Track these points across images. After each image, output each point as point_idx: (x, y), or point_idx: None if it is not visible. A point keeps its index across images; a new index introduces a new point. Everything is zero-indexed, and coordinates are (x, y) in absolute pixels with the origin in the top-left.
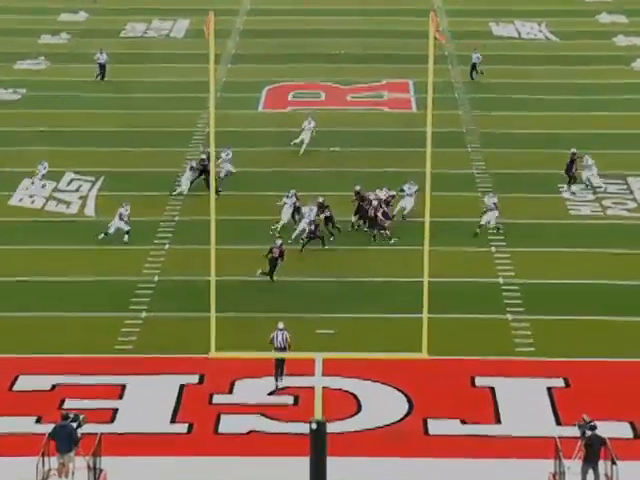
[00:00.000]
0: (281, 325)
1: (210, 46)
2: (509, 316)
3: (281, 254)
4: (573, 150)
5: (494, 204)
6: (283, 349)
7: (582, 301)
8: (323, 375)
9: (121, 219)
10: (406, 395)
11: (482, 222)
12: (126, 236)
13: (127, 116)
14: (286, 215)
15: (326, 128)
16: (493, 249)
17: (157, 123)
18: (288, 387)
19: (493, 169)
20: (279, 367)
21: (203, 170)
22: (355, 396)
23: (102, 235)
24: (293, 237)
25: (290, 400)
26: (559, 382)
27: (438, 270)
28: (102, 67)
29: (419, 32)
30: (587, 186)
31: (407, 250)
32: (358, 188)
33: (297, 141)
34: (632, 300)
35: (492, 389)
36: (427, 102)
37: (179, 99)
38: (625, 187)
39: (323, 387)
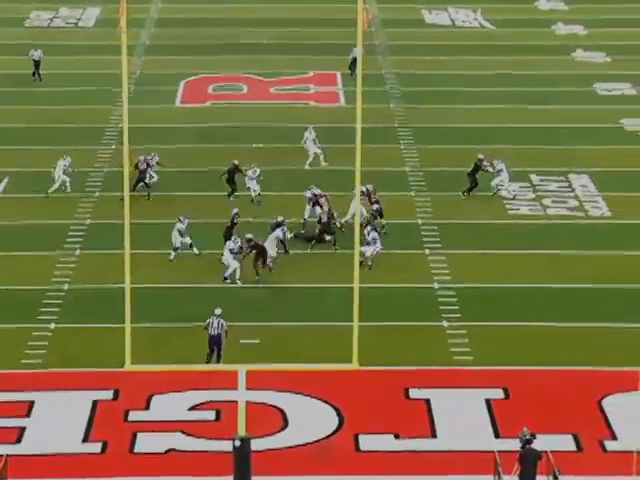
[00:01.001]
0: (218, 311)
1: (122, 36)
2: (445, 323)
3: (256, 247)
4: (480, 156)
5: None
6: (218, 336)
7: (522, 306)
8: (247, 388)
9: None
10: (336, 409)
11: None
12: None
13: (31, 112)
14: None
15: (248, 123)
16: (427, 251)
17: (65, 119)
18: (209, 401)
19: (427, 166)
20: (215, 354)
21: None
22: (281, 410)
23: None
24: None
25: (211, 415)
26: (498, 393)
27: (369, 275)
28: (37, 64)
29: (347, 20)
30: (494, 194)
31: (337, 254)
32: (317, 192)
33: (310, 160)
34: (573, 304)
35: (427, 401)
36: (356, 95)
37: (89, 93)
38: (566, 185)
39: (247, 401)
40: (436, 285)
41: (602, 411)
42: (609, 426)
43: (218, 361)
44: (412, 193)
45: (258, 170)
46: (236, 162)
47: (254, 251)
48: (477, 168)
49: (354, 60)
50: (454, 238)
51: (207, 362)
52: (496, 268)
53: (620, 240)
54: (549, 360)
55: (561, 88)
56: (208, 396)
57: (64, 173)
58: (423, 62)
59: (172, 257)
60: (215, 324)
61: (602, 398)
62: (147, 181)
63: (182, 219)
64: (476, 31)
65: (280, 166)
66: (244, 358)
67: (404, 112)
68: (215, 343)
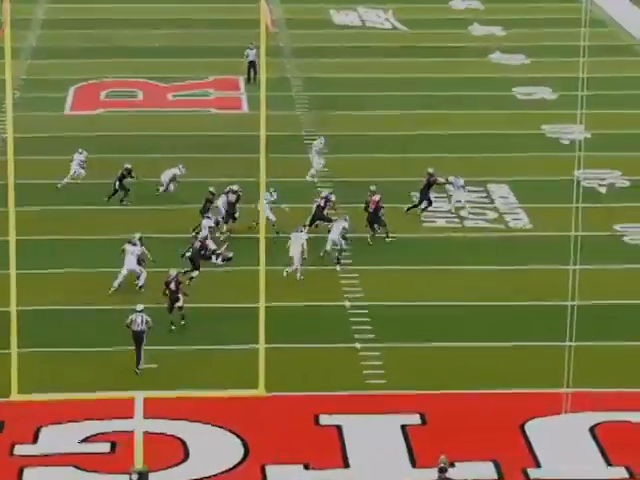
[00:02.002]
0: (140, 307)
1: (6, 38)
2: (357, 344)
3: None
4: (430, 170)
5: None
6: (142, 332)
7: (439, 326)
8: (144, 417)
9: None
10: (241, 438)
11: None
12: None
13: None
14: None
15: (144, 132)
16: (338, 268)
17: None
18: (104, 432)
19: (337, 177)
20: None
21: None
22: (182, 441)
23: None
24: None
25: (106, 447)
26: (414, 418)
27: (276, 293)
28: None
29: (250, 21)
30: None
31: (241, 271)
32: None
33: (313, 172)
34: (492, 323)
35: (339, 428)
36: (260, 101)
37: None
38: (485, 195)
39: (144, 431)
40: (347, 304)
41: (525, 436)
42: (532, 452)
43: (138, 362)
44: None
45: (275, 195)
46: (129, 166)
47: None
48: (429, 184)
49: (251, 64)
50: (366, 253)
51: (137, 364)
52: (411, 285)
53: (542, 254)
54: (468, 383)
55: (478, 92)
56: (102, 426)
57: (80, 167)
58: (331, 65)
59: (142, 283)
60: (139, 320)
61: (524, 422)
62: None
63: (135, 241)
64: (388, 32)
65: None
66: (141, 385)
67: (311, 119)
68: (139, 340)
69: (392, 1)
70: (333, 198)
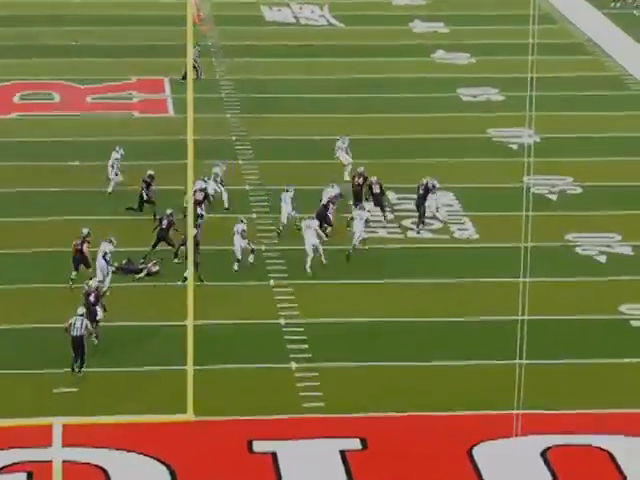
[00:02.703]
0: (81, 310)
1: None
2: (293, 364)
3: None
4: (426, 179)
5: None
6: (81, 337)
7: (380, 344)
8: (63, 445)
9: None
10: (168, 467)
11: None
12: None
13: None
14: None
15: (61, 138)
16: (272, 282)
17: None
18: (19, 462)
19: (269, 184)
20: (77, 355)
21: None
22: (104, 470)
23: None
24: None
25: (22, 478)
26: (354, 443)
27: (205, 310)
28: None
29: (176, 18)
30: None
31: (166, 289)
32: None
33: (349, 170)
34: (437, 340)
35: (274, 455)
36: (187, 104)
37: None
38: (428, 204)
39: (63, 460)
40: (282, 321)
41: (472, 461)
42: (480, 478)
43: (81, 367)
44: (254, 215)
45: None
46: (151, 172)
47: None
48: (427, 193)
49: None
50: (301, 266)
51: (72, 369)
52: (350, 301)
53: (489, 266)
54: (412, 405)
55: (420, 94)
56: (17, 455)
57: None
58: (263, 65)
59: (107, 287)
60: (77, 324)
61: (472, 447)
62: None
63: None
64: (323, 29)
65: (102, 187)
66: (59, 410)
67: (242, 123)
68: (78, 345)
69: None
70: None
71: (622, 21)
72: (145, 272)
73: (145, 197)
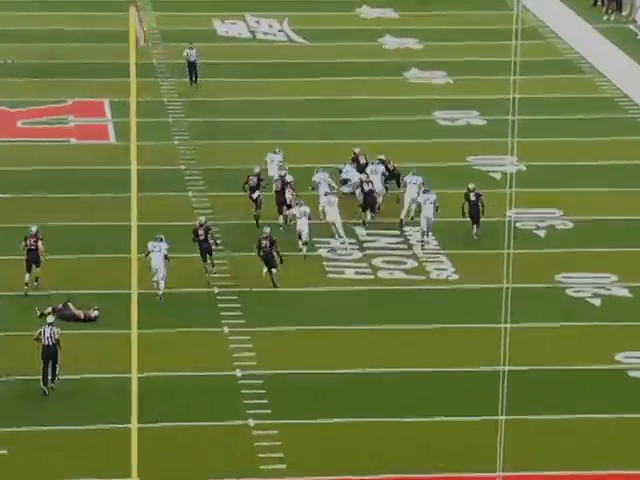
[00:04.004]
0: (50, 319)
1: None
2: (250, 421)
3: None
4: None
5: None
6: (53, 347)
7: (346, 398)
8: None
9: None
10: None
11: None
12: None
13: None
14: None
15: None
16: (226, 330)
17: None
18: None
19: (222, 220)
20: (50, 367)
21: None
22: None
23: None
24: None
25: None
26: None
27: (149, 359)
28: None
29: (117, 33)
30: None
31: (105, 335)
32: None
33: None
34: (410, 395)
35: None
36: (130, 129)
37: None
38: (401, 240)
39: None
40: (238, 373)
41: None
42: None
43: (54, 376)
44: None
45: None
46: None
47: None
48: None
49: (191, 65)
50: (259, 310)
51: (43, 380)
52: (315, 349)
53: (468, 310)
54: (382, 467)
55: (392, 117)
56: None
57: (279, 169)
58: (215, 85)
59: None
60: (48, 333)
61: None
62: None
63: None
64: (282, 46)
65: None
66: None
67: (192, 150)
68: (50, 355)
69: (287, 8)
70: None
71: (616, 36)
72: (82, 317)
73: None
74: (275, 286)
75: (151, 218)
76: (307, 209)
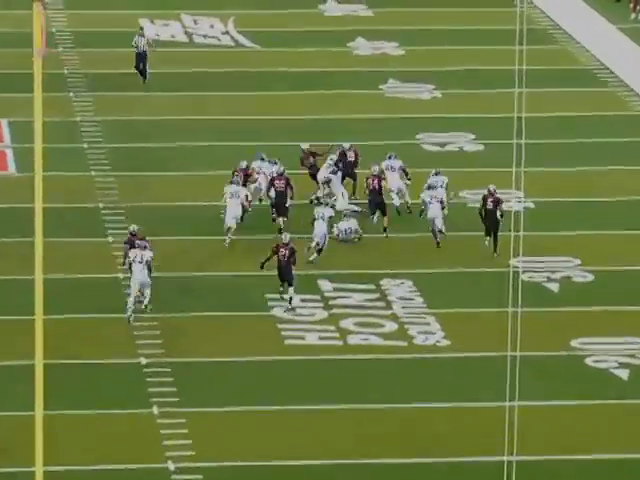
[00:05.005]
0: None
1: None
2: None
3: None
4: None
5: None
6: None
7: None
8: None
9: None
10: None
11: None
12: None
13: None
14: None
15: None
16: (155, 410)
17: None
18: None
19: (160, 270)
20: None
21: None
22: None
23: None
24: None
25: None
26: None
27: (66, 454)
28: None
29: (16, 36)
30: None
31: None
32: None
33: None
34: None
35: None
36: (35, 157)
37: None
38: (377, 296)
39: None
40: (171, 465)
41: None
42: None
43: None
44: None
45: None
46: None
47: None
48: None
49: (140, 57)
50: (197, 391)
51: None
52: (266, 435)
53: (463, 385)
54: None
55: (367, 141)
56: None
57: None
58: (143, 101)
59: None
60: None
61: None
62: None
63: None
64: (227, 52)
65: None
66: None
67: (113, 183)
68: None
69: (234, 5)
70: None
71: None
72: None
73: None
74: (291, 307)
75: (62, 269)
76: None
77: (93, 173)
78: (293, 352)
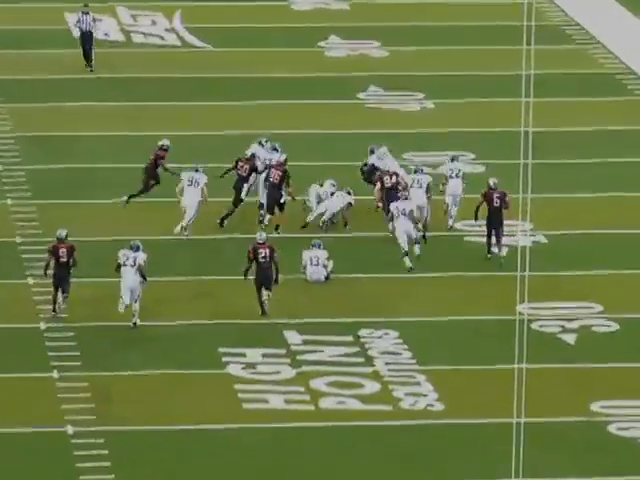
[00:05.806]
0: None
1: None
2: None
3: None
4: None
5: None
6: None
7: None
8: None
9: None
10: None
11: None
12: None
13: None
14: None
15: None
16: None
17: None
18: None
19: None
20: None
21: None
22: None
23: None
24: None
25: None
26: None
27: None
28: None
29: None
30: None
31: None
32: None
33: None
34: None
35: None
36: None
37: None
38: (357, 349)
39: None
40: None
41: None
42: None
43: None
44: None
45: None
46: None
47: None
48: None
49: (86, 37)
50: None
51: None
52: None
53: (462, 457)
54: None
55: (345, 161)
56: None
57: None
58: (68, 112)
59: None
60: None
61: None
62: None
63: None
64: (173, 52)
65: None
66: None
67: (34, 214)
68: None
69: None
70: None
71: None
72: None
73: None
74: (264, 313)
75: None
76: None
77: (9, 202)
78: (253, 418)
